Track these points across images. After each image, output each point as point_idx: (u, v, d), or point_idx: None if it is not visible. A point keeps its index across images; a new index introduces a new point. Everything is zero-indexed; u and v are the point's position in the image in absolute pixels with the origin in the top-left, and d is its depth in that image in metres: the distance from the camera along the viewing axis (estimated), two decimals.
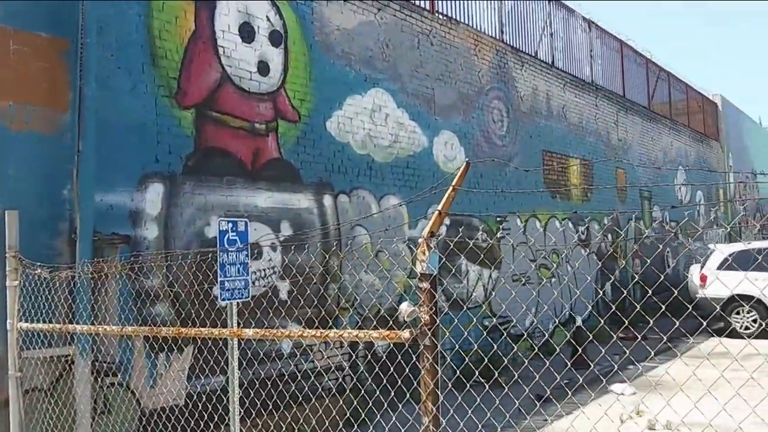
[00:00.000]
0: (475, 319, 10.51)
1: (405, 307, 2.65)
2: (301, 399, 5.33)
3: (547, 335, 12.14)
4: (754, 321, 13.72)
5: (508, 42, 13.23)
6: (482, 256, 11.16)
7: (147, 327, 5.79)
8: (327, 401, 6.76)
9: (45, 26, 6.04)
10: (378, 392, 5.31)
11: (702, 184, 22.97)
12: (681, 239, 20.40)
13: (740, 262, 12.61)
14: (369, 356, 8.72)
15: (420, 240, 2.64)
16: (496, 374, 5.80)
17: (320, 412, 5.68)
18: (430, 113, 10.68)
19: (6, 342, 4.98)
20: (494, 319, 11.17)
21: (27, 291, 5.08)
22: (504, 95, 12.81)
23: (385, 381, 4.07)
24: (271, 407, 5.27)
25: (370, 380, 7.83)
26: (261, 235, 7.46)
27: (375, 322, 8.49)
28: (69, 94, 6.11)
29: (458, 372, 6.63)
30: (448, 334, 5.03)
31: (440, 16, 11.34)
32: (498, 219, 12.00)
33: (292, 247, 7.72)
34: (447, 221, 9.67)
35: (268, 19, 8.05)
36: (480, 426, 3.38)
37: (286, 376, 7.43)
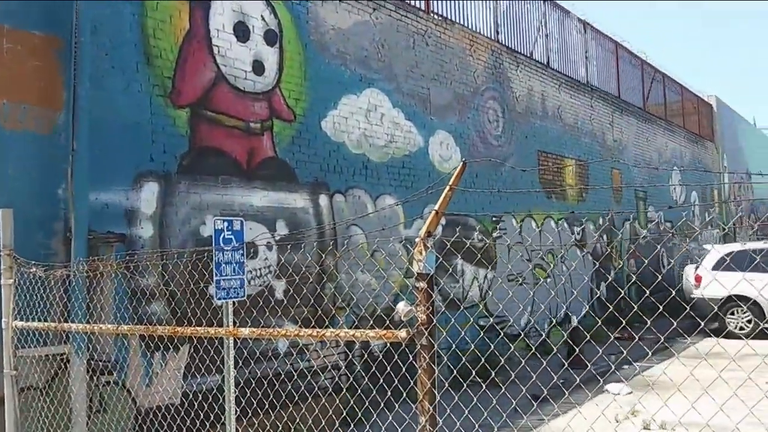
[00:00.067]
0: (471, 319, 10.51)
1: (402, 307, 2.65)
2: (297, 398, 5.33)
3: (543, 335, 12.15)
4: (749, 321, 13.76)
5: (503, 42, 13.24)
6: (479, 255, 11.16)
7: (143, 326, 5.76)
8: (323, 400, 6.76)
9: (39, 25, 6.02)
10: (374, 392, 5.30)
11: (697, 185, 23.05)
12: (676, 240, 20.44)
13: (735, 262, 12.64)
14: (365, 356, 8.70)
15: (417, 240, 2.63)
16: (493, 374, 5.79)
17: (316, 411, 5.67)
18: (425, 113, 10.68)
19: (1, 340, 4.96)
20: (490, 319, 11.17)
21: (22, 289, 5.06)
22: (499, 95, 12.82)
23: (381, 380, 4.06)
24: (267, 406, 5.26)
25: (366, 380, 7.82)
26: (257, 234, 7.44)
27: (371, 322, 8.47)
28: (63, 93, 6.10)
29: (455, 371, 6.63)
30: (444, 333, 5.02)
31: (435, 17, 11.33)
32: (494, 219, 12.01)
33: (288, 247, 7.70)
34: (443, 221, 9.66)
35: (263, 19, 8.04)
36: (477, 425, 3.38)
37: (283, 375, 7.41)
